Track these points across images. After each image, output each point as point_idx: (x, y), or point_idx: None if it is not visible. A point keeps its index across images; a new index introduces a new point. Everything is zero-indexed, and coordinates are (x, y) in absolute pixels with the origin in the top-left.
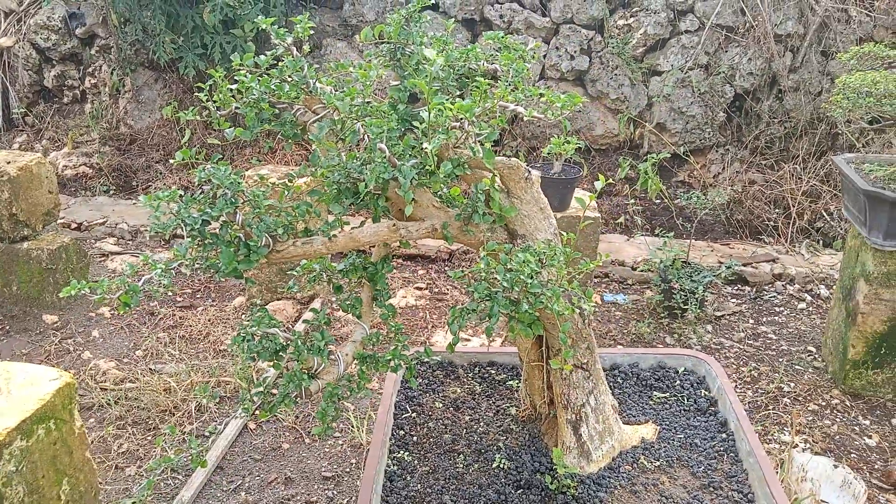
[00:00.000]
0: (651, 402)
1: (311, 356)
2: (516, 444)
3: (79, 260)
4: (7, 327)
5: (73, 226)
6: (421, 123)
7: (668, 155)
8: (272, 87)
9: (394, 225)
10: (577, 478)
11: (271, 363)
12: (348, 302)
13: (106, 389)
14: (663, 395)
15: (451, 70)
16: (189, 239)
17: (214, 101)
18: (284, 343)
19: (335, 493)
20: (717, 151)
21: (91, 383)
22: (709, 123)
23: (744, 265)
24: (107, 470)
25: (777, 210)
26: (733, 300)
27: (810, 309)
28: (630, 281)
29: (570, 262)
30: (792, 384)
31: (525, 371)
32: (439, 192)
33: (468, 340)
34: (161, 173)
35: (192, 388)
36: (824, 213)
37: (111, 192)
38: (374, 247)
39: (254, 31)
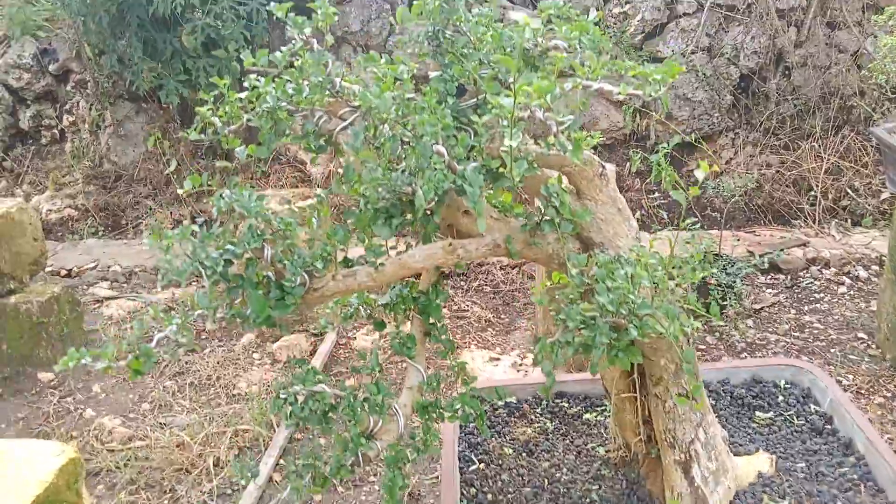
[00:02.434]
0: (754, 425)
1: (371, 415)
2: (613, 494)
3: (72, 310)
4: (0, 391)
5: (63, 273)
6: (481, 117)
7: (678, 143)
8: (289, 91)
9: (450, 245)
10: None
11: (320, 428)
12: (399, 341)
13: (113, 451)
14: (766, 414)
15: (504, 51)
16: (210, 284)
17: (220, 116)
18: (335, 402)
19: None
20: (727, 136)
21: (97, 445)
22: (716, 107)
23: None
24: None
25: (799, 191)
26: (769, 290)
27: (852, 292)
28: None
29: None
30: (850, 376)
31: (614, 404)
32: (495, 202)
33: (497, 359)
34: (151, 209)
35: (208, 441)
36: (849, 191)
37: (100, 233)
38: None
39: (238, 50)
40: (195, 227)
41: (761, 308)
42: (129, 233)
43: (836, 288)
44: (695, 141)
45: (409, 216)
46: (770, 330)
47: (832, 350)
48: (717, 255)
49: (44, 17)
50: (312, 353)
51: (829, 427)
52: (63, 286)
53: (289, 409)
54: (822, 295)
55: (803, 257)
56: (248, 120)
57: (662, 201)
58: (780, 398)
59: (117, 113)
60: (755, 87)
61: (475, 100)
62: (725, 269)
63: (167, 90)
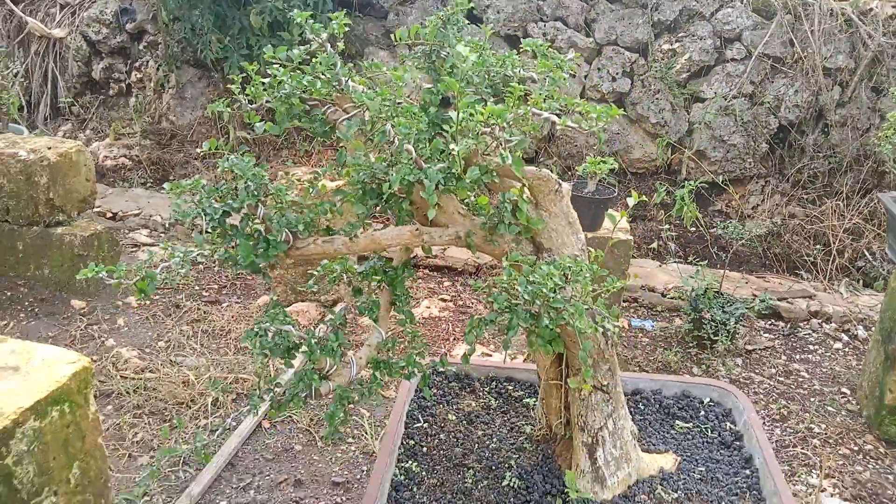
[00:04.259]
0: (673, 432)
1: (324, 357)
2: (528, 463)
3: (110, 248)
4: (36, 310)
5: (109, 215)
6: (451, 127)
7: (707, 183)
8: (304, 83)
9: (417, 230)
10: (590, 503)
11: (283, 361)
12: (366, 305)
13: (126, 378)
14: (686, 424)
15: (487, 76)
16: (209, 229)
17: (247, 94)
18: (298, 341)
19: (344, 499)
20: (757, 182)
21: (112, 370)
22: (750, 153)
23: (779, 300)
24: (120, 458)
25: (817, 246)
26: (766, 335)
27: (846, 350)
28: (659, 307)
29: (597, 280)
30: (823, 425)
31: (543, 389)
32: (466, 200)
33: (489, 356)
34: (198, 169)
35: (211, 382)
36: (866, 253)
37: (148, 184)
38: (395, 251)
39: (301, 34)
40: (203, 182)
41: (753, 350)
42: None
43: (832, 343)
44: (722, 183)
45: (384, 200)
46: (756, 371)
47: (812, 399)
48: (717, 292)
49: None
50: (320, 320)
51: (737, 443)
52: (105, 226)
53: (258, 340)
54: (816, 347)
55: (806, 309)
56: (267, 101)
57: (672, 233)
58: (703, 413)
59: (182, 77)
60: (792, 139)
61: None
62: (723, 307)
63: (231, 63)
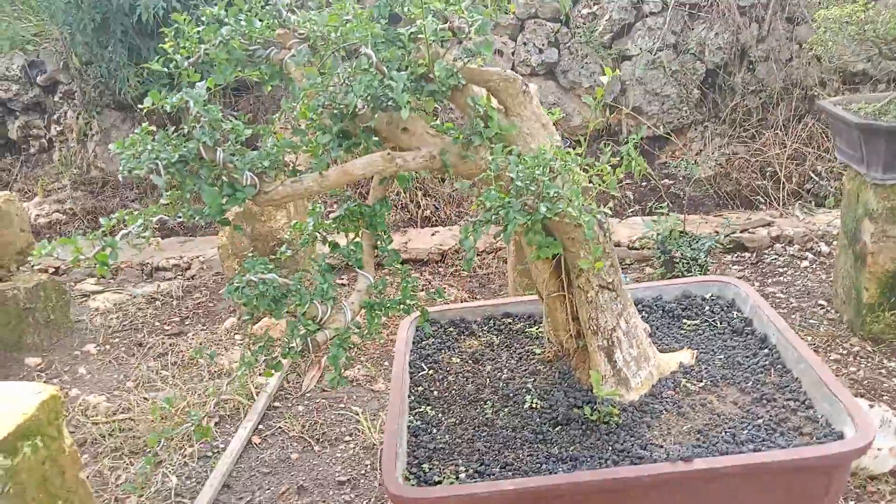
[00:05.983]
0: (682, 331)
1: (317, 298)
2: (546, 383)
3: (58, 298)
4: None
5: (51, 270)
6: (407, 37)
7: (649, 138)
8: (242, 24)
9: (388, 154)
10: (619, 405)
11: (270, 311)
12: (348, 249)
13: (98, 423)
14: (694, 322)
15: None
16: (165, 173)
17: (181, 52)
18: (284, 290)
19: (353, 496)
20: (696, 129)
21: (81, 419)
22: (684, 102)
23: (741, 231)
24: (106, 503)
25: (765, 177)
26: (735, 267)
27: (814, 266)
28: (628, 260)
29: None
30: (809, 338)
31: (546, 305)
32: (433, 124)
33: None
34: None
35: (189, 410)
36: (812, 175)
37: (87, 235)
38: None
39: None
40: (152, 128)
41: None
42: (115, 234)
43: (799, 262)
44: (664, 133)
45: (348, 130)
46: None
47: (793, 316)
48: (682, 232)
49: (32, 32)
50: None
51: (748, 328)
52: (50, 276)
53: (241, 293)
54: (785, 269)
55: (768, 236)
56: (206, 51)
57: (625, 189)
58: (707, 308)
59: (104, 122)
60: (721, 81)
61: (408, 27)
62: (690, 244)
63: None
